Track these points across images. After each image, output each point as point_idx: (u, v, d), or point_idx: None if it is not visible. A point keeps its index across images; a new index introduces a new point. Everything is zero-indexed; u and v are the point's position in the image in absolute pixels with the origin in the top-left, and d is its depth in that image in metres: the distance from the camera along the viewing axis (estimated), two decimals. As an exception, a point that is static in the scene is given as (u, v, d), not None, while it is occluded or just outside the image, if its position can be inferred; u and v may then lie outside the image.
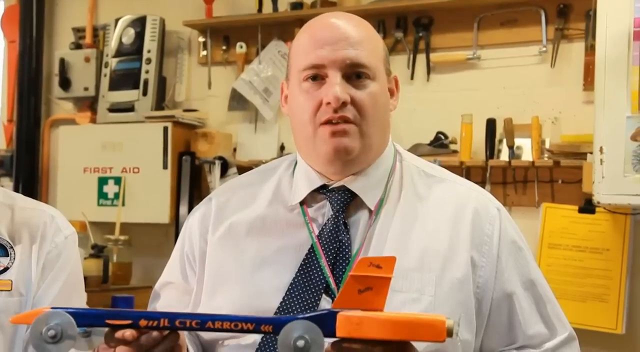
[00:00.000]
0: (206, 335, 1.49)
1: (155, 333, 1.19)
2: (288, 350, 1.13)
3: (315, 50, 1.44)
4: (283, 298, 1.42)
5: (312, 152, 1.48)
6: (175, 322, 1.17)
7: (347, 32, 1.45)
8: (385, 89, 1.51)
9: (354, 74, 1.44)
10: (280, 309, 1.41)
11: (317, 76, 1.44)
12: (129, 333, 1.17)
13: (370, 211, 1.48)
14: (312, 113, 1.44)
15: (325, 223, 1.47)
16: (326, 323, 1.14)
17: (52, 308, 1.17)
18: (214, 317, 1.18)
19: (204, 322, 1.17)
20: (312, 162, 1.51)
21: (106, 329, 1.18)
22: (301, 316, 1.16)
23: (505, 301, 1.46)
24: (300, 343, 1.12)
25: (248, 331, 1.17)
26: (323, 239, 1.45)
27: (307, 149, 1.50)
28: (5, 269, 1.60)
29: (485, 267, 1.45)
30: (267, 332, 1.17)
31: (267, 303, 1.42)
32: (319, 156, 1.47)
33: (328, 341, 1.16)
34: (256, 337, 1.40)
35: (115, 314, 1.18)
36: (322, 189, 1.50)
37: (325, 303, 1.40)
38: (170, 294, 1.58)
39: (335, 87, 1.41)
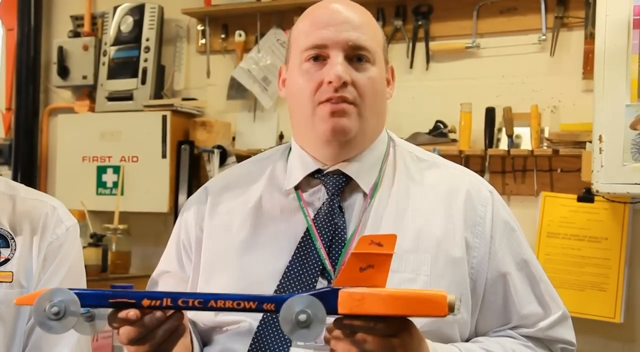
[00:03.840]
0: (203, 323, 1.49)
1: (158, 313, 1.19)
2: (290, 324, 1.13)
3: (318, 31, 1.46)
4: (280, 281, 1.43)
5: (309, 133, 1.49)
6: (177, 302, 1.18)
7: (349, 16, 1.47)
8: (384, 75, 1.53)
9: (355, 56, 1.46)
10: (278, 292, 1.42)
11: (319, 57, 1.46)
12: (132, 313, 1.17)
13: (364, 195, 1.49)
14: (311, 93, 1.45)
15: (321, 207, 1.49)
16: (328, 300, 1.14)
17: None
18: (216, 296, 1.17)
19: (206, 301, 1.17)
20: (308, 145, 1.52)
21: (109, 312, 1.19)
22: (304, 293, 1.16)
23: (499, 281, 1.47)
24: (302, 317, 1.12)
25: (250, 310, 1.17)
26: (318, 222, 1.46)
27: (305, 130, 1.51)
28: (7, 260, 1.60)
29: (479, 248, 1.46)
30: (270, 310, 1.17)
31: (264, 287, 1.43)
32: (316, 137, 1.48)
33: (330, 319, 1.16)
34: (253, 324, 1.41)
35: (118, 294, 1.17)
36: (317, 174, 1.51)
37: (322, 286, 1.41)
38: (167, 282, 1.58)
39: (338, 66, 1.43)
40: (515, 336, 1.48)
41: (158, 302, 1.17)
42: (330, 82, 1.42)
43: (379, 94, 1.50)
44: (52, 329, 1.15)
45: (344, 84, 1.43)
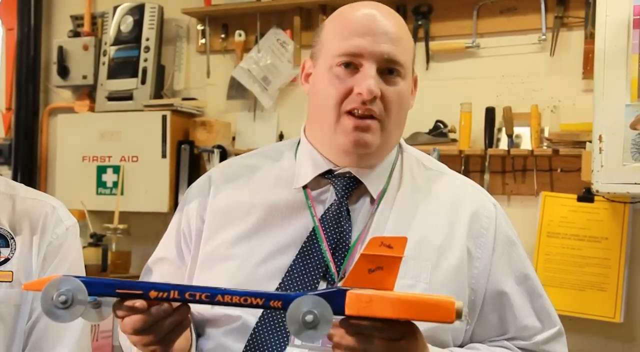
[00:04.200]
0: (199, 313, 1.49)
1: (166, 305, 1.19)
2: (296, 324, 1.13)
3: (354, 38, 1.44)
4: (282, 279, 1.43)
5: (328, 139, 1.49)
6: (185, 295, 1.18)
7: (387, 27, 1.46)
8: (411, 88, 1.52)
9: (387, 69, 1.45)
10: (279, 290, 1.42)
11: (351, 64, 1.44)
12: (139, 303, 1.17)
13: (372, 200, 1.49)
14: (338, 100, 1.44)
15: (329, 208, 1.48)
16: (336, 301, 1.14)
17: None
18: (224, 291, 1.17)
19: (213, 295, 1.17)
20: (325, 148, 1.51)
21: (115, 299, 1.19)
22: (311, 292, 1.16)
23: (499, 293, 1.48)
24: (309, 318, 1.12)
25: (257, 306, 1.17)
26: (325, 223, 1.46)
27: (324, 136, 1.50)
28: (6, 260, 1.60)
29: (480, 258, 1.47)
30: (276, 307, 1.16)
31: (264, 283, 1.43)
32: (336, 146, 1.47)
33: (337, 319, 1.17)
34: (249, 321, 1.41)
35: (126, 284, 1.18)
36: (327, 174, 1.51)
37: (323, 287, 1.41)
38: (163, 269, 1.58)
39: (370, 80, 1.41)
40: (511, 347, 1.49)
41: (165, 294, 1.17)
42: (359, 94, 1.41)
43: (404, 108, 1.50)
44: (59, 318, 1.15)
45: (374, 98, 1.42)
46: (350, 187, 1.49)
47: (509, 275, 1.49)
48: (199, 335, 1.50)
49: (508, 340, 1.49)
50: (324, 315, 1.13)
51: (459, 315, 1.12)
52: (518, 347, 1.49)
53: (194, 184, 1.64)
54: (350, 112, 1.43)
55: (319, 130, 1.51)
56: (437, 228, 1.47)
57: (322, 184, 1.51)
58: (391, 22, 1.48)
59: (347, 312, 1.14)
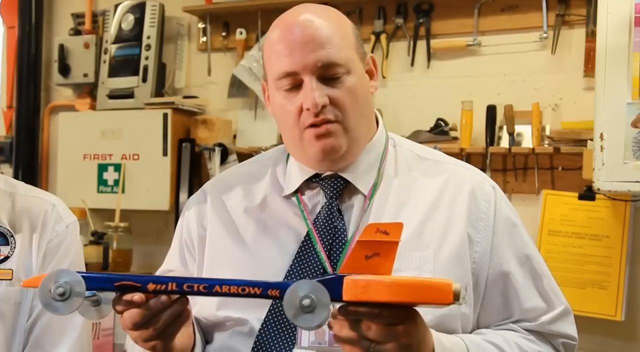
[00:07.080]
0: (205, 318, 1.50)
1: (164, 297, 1.20)
2: (294, 309, 1.13)
3: (284, 59, 1.44)
4: None
5: (300, 153, 1.51)
6: (183, 286, 1.18)
7: (314, 32, 1.44)
8: (363, 76, 1.51)
9: (329, 73, 1.44)
10: None
11: (293, 83, 1.45)
12: (137, 296, 1.17)
13: (364, 196, 1.50)
14: (295, 118, 1.46)
15: (320, 210, 1.50)
16: (333, 287, 1.14)
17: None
18: (221, 282, 1.18)
19: (211, 286, 1.17)
20: (302, 161, 1.53)
21: (114, 295, 1.19)
22: (308, 279, 1.16)
23: (501, 276, 1.48)
24: (306, 302, 1.12)
25: (255, 296, 1.17)
26: (318, 225, 1.47)
27: (296, 150, 1.52)
28: (6, 258, 1.60)
29: (481, 242, 1.47)
30: (274, 296, 1.16)
31: None
32: (308, 157, 1.49)
33: (335, 306, 1.17)
34: (254, 324, 1.42)
35: (123, 277, 1.18)
36: (315, 178, 1.52)
37: None
38: None
39: (313, 93, 1.42)
40: (517, 329, 1.49)
41: (163, 287, 1.18)
42: (308, 109, 1.43)
43: (361, 100, 1.49)
44: (57, 310, 1.15)
45: (323, 107, 1.43)
46: (339, 188, 1.50)
47: (511, 257, 1.49)
48: (207, 342, 1.51)
49: (514, 323, 1.49)
50: (321, 299, 1.12)
51: (456, 297, 1.11)
52: (524, 329, 1.49)
53: (191, 197, 1.66)
54: (310, 126, 1.45)
55: (292, 147, 1.53)
56: (436, 216, 1.47)
57: (312, 187, 1.53)
58: (318, 23, 1.46)
59: (344, 298, 1.14)
